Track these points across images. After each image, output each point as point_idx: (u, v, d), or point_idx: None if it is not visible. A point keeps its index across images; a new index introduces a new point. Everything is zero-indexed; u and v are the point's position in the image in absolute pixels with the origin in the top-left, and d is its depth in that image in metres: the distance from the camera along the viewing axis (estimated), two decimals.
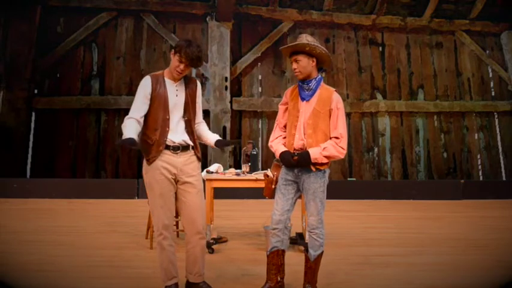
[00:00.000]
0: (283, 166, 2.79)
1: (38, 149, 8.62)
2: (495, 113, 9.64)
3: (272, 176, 2.85)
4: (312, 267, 2.73)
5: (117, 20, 9.14)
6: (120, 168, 8.74)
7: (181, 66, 2.61)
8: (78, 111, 8.82)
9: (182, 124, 2.69)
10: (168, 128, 2.64)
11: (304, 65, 2.71)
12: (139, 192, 8.07)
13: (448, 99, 9.61)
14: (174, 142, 2.65)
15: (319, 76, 2.79)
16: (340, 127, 2.72)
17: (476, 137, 9.56)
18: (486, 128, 9.59)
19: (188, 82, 2.76)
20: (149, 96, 2.62)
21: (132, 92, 8.93)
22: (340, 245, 4.25)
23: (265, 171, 2.94)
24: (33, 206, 6.88)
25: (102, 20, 9.06)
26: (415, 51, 9.71)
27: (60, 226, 5.22)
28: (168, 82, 2.68)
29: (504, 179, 9.36)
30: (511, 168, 9.42)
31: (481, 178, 9.39)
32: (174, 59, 2.62)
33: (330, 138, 2.72)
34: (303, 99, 2.76)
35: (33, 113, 8.73)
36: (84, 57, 9.01)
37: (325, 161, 2.69)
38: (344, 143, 2.72)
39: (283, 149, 2.76)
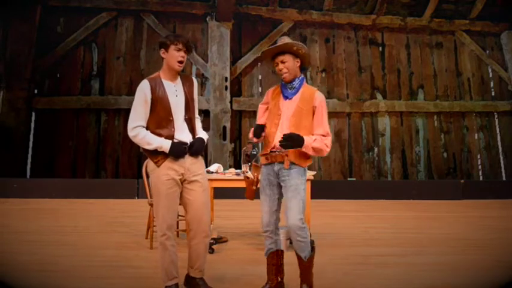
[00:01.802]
0: (263, 166, 2.77)
1: (38, 149, 8.61)
2: (495, 113, 9.63)
3: (253, 177, 2.84)
4: (307, 266, 2.71)
5: (117, 20, 9.13)
6: (120, 168, 8.74)
7: (182, 53, 2.64)
8: (78, 111, 8.82)
9: (185, 123, 2.71)
10: (174, 128, 2.65)
11: (290, 65, 2.72)
12: (139, 192, 8.07)
13: (448, 99, 9.60)
14: (182, 141, 2.66)
15: (302, 76, 2.81)
16: (325, 125, 2.71)
17: (476, 137, 9.55)
18: (486, 128, 9.59)
19: (185, 81, 2.77)
20: (149, 101, 2.62)
21: (132, 92, 8.87)
22: (340, 245, 4.25)
23: (246, 173, 2.93)
24: (34, 206, 6.88)
25: (102, 20, 9.06)
26: (415, 51, 9.70)
27: (60, 226, 5.23)
28: (166, 83, 2.69)
29: (504, 179, 9.36)
30: (511, 168, 9.42)
31: (481, 178, 9.39)
32: (171, 52, 2.63)
33: (313, 134, 2.69)
34: (286, 97, 2.75)
35: (33, 113, 8.73)
36: (84, 57, 9.01)
37: (310, 152, 2.65)
38: (329, 141, 2.70)
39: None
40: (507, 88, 9.72)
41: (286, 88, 2.76)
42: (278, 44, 2.74)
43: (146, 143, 2.61)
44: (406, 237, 4.75)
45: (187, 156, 2.67)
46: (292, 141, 2.58)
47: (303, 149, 2.63)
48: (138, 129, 2.62)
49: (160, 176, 2.62)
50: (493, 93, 9.73)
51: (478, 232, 5.13)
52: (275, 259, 2.77)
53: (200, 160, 2.77)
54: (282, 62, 2.72)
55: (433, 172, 9.35)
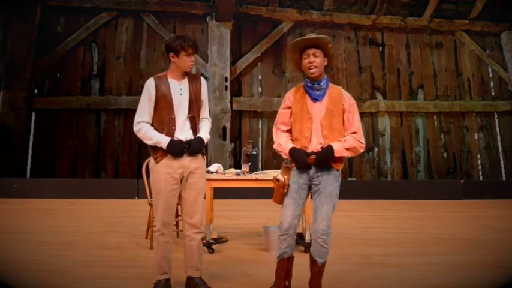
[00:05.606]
0: (294, 169, 2.66)
1: (38, 149, 8.61)
2: (495, 113, 9.63)
3: (283, 180, 2.68)
4: (320, 271, 2.64)
5: (117, 20, 9.13)
6: (120, 168, 8.74)
7: (192, 57, 2.71)
8: (78, 111, 8.82)
9: (187, 122, 2.75)
10: (175, 126, 2.71)
11: (321, 61, 2.63)
12: (139, 192, 8.07)
13: (448, 99, 9.61)
14: (182, 140, 2.70)
15: (326, 75, 2.72)
16: (356, 123, 2.65)
17: (476, 137, 9.55)
18: (486, 128, 9.59)
19: (192, 80, 2.80)
20: (154, 98, 2.70)
21: (132, 92, 8.94)
22: (340, 245, 4.25)
23: (275, 175, 2.73)
24: (34, 206, 6.88)
25: (102, 20, 9.06)
26: (415, 51, 9.71)
27: (60, 226, 5.22)
28: (172, 82, 2.74)
29: (504, 179, 9.36)
30: (511, 168, 9.42)
31: (481, 178, 9.39)
32: (182, 57, 2.68)
33: (345, 135, 2.65)
34: (315, 99, 2.64)
35: (33, 113, 8.73)
36: (84, 57, 9.01)
37: (346, 154, 2.60)
38: (362, 137, 2.64)
39: (293, 146, 2.62)
40: (507, 88, 9.72)
41: (313, 89, 2.65)
42: (313, 36, 2.64)
43: (148, 137, 2.69)
44: (407, 237, 4.75)
45: (186, 155, 2.71)
46: (325, 160, 2.55)
47: (337, 155, 2.57)
48: (141, 124, 2.70)
49: (160, 173, 2.69)
50: (493, 93, 9.74)
51: (478, 232, 5.12)
52: (286, 265, 2.69)
53: (199, 159, 2.79)
54: (315, 56, 2.61)
55: (433, 172, 9.35)
